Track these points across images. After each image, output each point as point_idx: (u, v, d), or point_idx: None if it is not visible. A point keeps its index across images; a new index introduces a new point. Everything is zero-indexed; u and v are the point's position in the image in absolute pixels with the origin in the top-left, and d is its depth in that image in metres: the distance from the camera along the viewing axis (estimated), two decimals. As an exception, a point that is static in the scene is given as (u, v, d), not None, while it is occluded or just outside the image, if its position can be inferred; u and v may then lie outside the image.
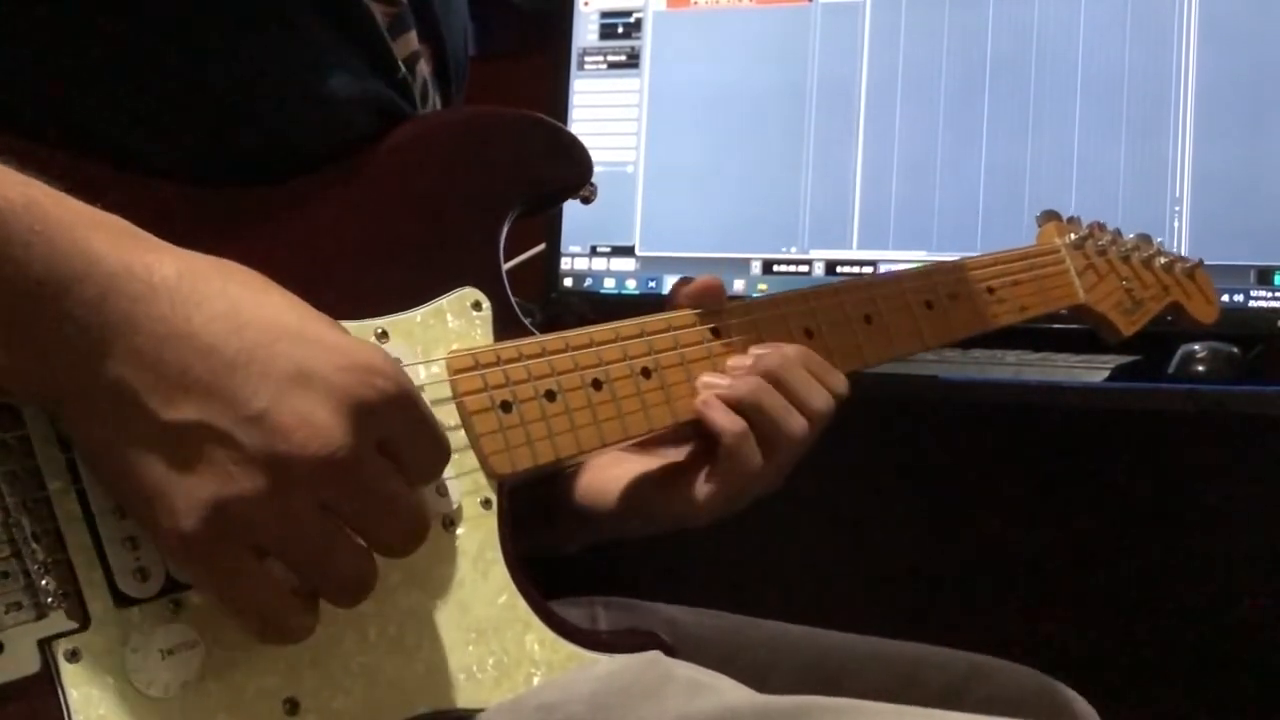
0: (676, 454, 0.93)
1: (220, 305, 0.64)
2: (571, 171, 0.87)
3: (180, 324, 0.63)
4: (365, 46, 0.81)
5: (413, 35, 0.86)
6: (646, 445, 0.94)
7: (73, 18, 0.71)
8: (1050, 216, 1.13)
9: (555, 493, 0.96)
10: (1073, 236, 1.10)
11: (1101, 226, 1.14)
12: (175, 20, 0.73)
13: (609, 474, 0.95)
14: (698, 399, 0.87)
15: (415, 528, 0.68)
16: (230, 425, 0.62)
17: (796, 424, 0.88)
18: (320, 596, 0.67)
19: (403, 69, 0.83)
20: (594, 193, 0.89)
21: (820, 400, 0.89)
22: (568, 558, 0.99)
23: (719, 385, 0.88)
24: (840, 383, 0.91)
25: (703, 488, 0.89)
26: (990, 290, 1.02)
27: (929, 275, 1.00)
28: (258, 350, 0.63)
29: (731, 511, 0.90)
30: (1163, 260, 1.16)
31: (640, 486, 0.93)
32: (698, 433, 0.89)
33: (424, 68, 0.88)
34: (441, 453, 0.70)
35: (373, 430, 0.65)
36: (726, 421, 0.87)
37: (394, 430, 0.67)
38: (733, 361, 0.89)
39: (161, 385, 0.62)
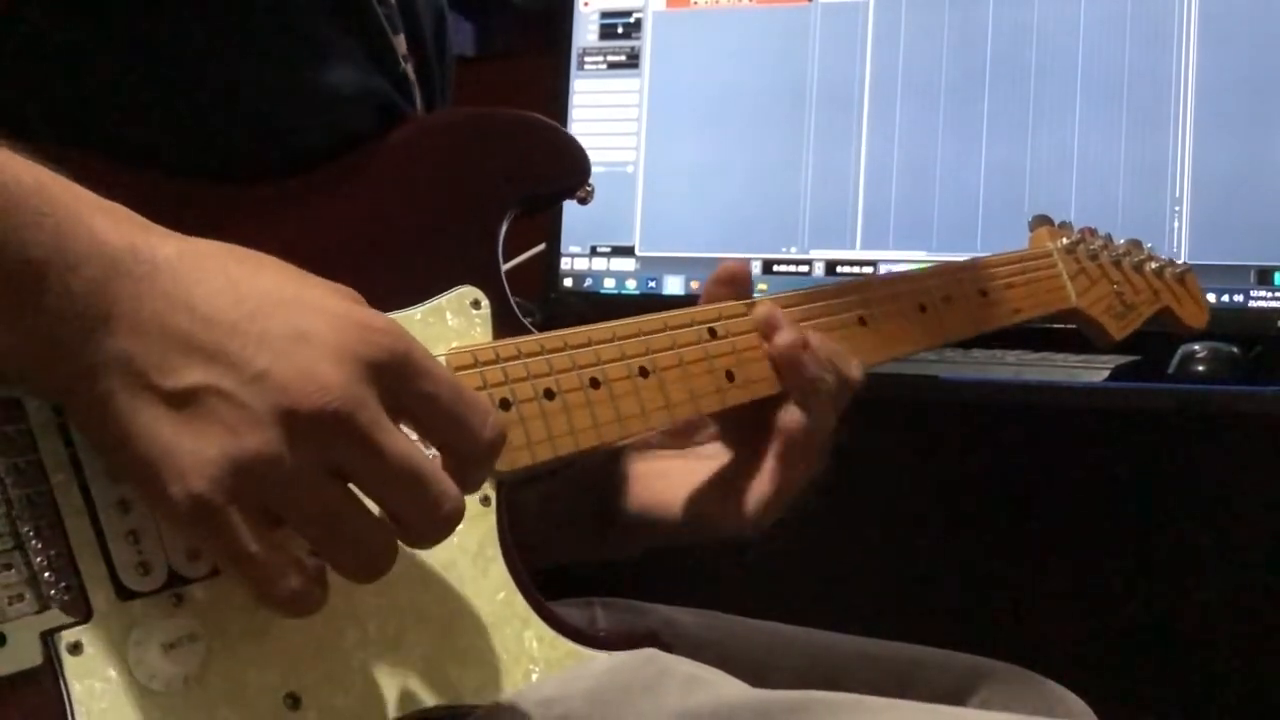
0: (718, 456, 0.93)
1: (220, 280, 0.64)
2: (569, 172, 0.88)
3: (181, 298, 0.63)
4: (367, 42, 0.81)
5: (401, 39, 0.87)
6: (687, 449, 0.95)
7: (72, 14, 0.71)
8: (1042, 221, 1.13)
9: (609, 504, 0.96)
10: (1065, 241, 1.11)
11: (1093, 231, 1.14)
12: (178, 15, 0.73)
13: (663, 486, 0.94)
14: (779, 351, 0.88)
15: (436, 508, 0.66)
16: (234, 386, 0.62)
17: (834, 380, 0.90)
18: (335, 569, 0.66)
19: (404, 64, 0.84)
20: (591, 194, 0.89)
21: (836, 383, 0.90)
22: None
23: (799, 354, 0.89)
24: (856, 369, 0.92)
25: (762, 485, 0.89)
26: (983, 294, 1.03)
27: (923, 279, 1.01)
28: (257, 316, 0.64)
29: (781, 511, 0.91)
30: (1154, 265, 1.17)
31: (700, 499, 0.92)
32: (739, 436, 0.91)
33: (410, 68, 0.88)
34: (471, 416, 0.68)
35: (379, 387, 0.64)
36: (816, 368, 0.88)
37: (407, 394, 0.66)
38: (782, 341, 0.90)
39: (164, 355, 0.62)
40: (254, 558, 0.64)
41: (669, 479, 0.94)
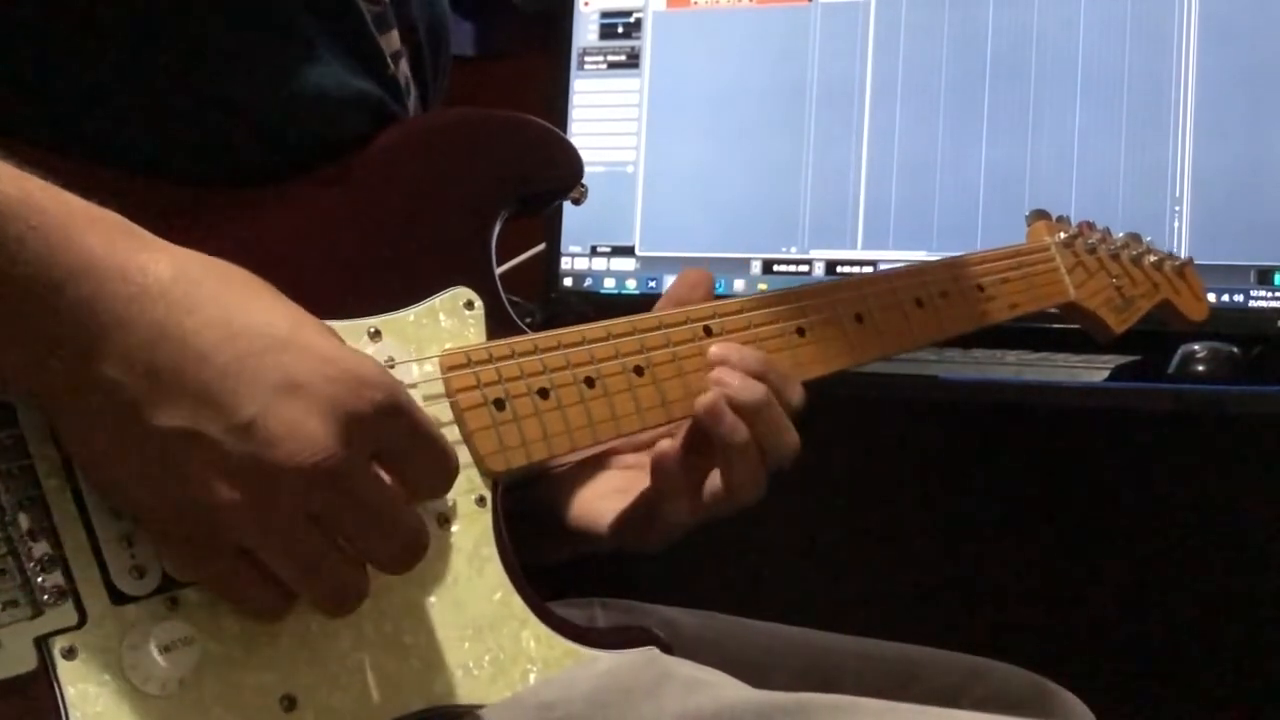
0: (640, 467, 0.92)
1: (213, 311, 0.64)
2: (562, 173, 0.88)
3: (173, 328, 0.63)
4: (355, 45, 0.81)
5: (394, 34, 0.86)
6: (628, 460, 0.95)
7: (64, 17, 0.71)
8: (1039, 215, 1.13)
9: (548, 509, 0.96)
10: (1062, 235, 1.10)
11: (1091, 225, 1.14)
12: (167, 18, 0.73)
13: (597, 502, 0.94)
14: (701, 403, 0.85)
15: (409, 543, 0.69)
16: (219, 433, 0.62)
17: (791, 440, 0.87)
18: (309, 603, 0.68)
19: (392, 66, 0.84)
20: (584, 194, 0.89)
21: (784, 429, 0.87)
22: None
23: (730, 385, 0.86)
24: (797, 396, 0.89)
25: (687, 502, 0.87)
26: (980, 288, 1.02)
27: (920, 273, 1.00)
28: (248, 359, 0.63)
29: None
30: (1152, 258, 1.16)
31: (628, 520, 0.91)
32: (690, 444, 0.89)
33: (404, 67, 0.88)
34: (443, 464, 0.70)
35: (364, 441, 0.65)
36: (732, 432, 0.85)
37: (389, 442, 0.67)
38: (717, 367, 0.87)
39: (153, 389, 0.62)
40: (237, 594, 0.66)
41: (600, 495, 0.93)
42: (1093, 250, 1.11)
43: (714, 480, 0.87)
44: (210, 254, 0.67)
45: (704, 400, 0.85)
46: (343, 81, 0.79)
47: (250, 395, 0.63)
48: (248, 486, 0.63)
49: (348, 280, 0.76)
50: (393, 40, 0.86)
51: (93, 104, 0.72)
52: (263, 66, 0.76)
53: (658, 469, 0.85)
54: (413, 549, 0.69)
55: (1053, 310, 1.09)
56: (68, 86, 0.72)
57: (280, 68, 0.77)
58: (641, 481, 0.91)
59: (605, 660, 0.78)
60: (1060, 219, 1.13)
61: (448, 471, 0.71)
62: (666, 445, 0.85)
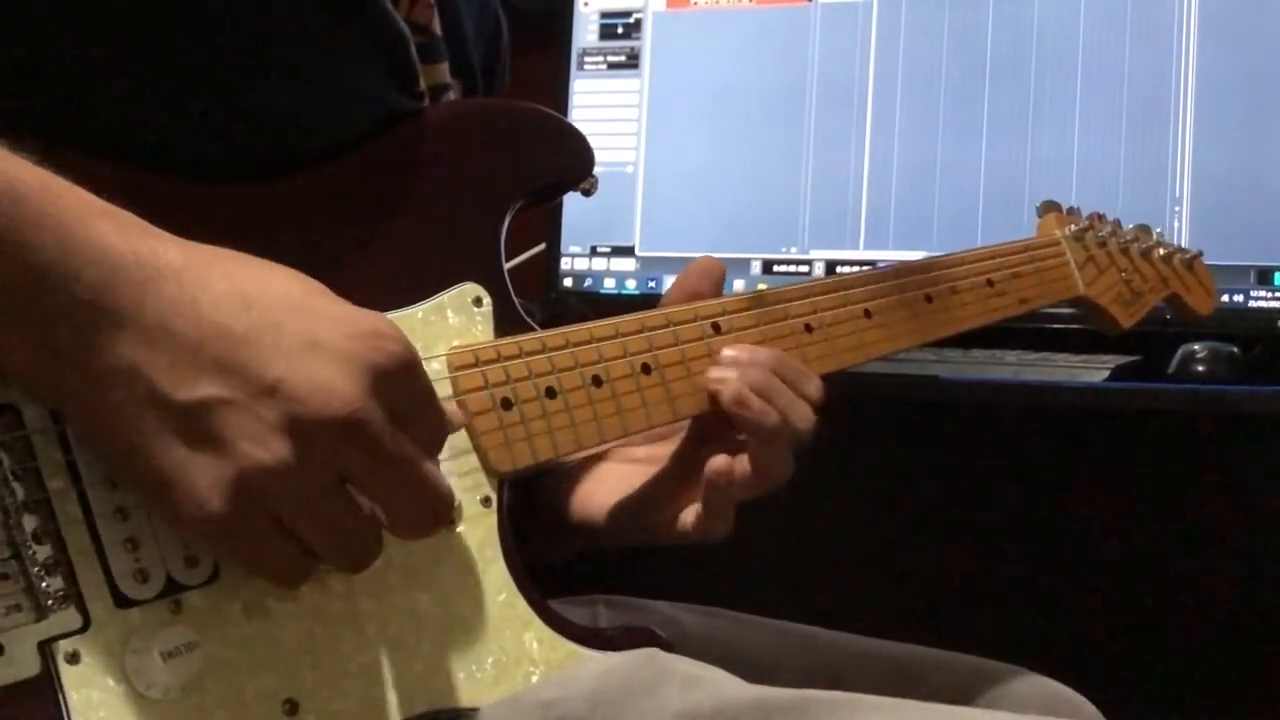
0: (651, 461, 0.92)
1: (225, 286, 0.64)
2: (572, 163, 0.87)
3: (188, 306, 0.63)
4: (392, 65, 0.81)
5: (444, 67, 0.86)
6: (635, 454, 0.95)
7: (87, 19, 0.71)
8: (1050, 207, 1.12)
9: (549, 505, 0.96)
10: (1073, 228, 1.10)
11: (1101, 218, 1.14)
12: (202, 26, 0.73)
13: (598, 496, 0.94)
14: (728, 394, 0.85)
15: (437, 504, 0.69)
16: (247, 398, 0.63)
17: (803, 414, 0.87)
18: (327, 563, 0.68)
19: (423, 88, 0.83)
20: (595, 185, 0.88)
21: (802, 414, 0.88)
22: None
23: (730, 378, 0.86)
24: (816, 389, 0.89)
25: (694, 510, 0.88)
26: (990, 283, 1.02)
27: (929, 269, 1.00)
28: (267, 325, 0.64)
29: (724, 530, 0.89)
30: (1162, 252, 1.16)
31: (636, 504, 0.92)
32: (696, 440, 0.89)
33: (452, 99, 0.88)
34: (442, 424, 0.70)
35: (386, 395, 0.65)
36: (762, 413, 0.85)
37: (403, 400, 0.67)
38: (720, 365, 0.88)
39: (175, 365, 0.63)
40: (270, 564, 0.66)
41: (604, 486, 0.94)
42: (1103, 244, 1.11)
43: (741, 467, 0.87)
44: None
45: (729, 391, 0.85)
46: (374, 98, 0.80)
47: (274, 357, 0.63)
48: (282, 445, 0.63)
49: (356, 277, 0.76)
50: (440, 72, 0.86)
51: (113, 104, 0.72)
52: (298, 78, 0.77)
53: (714, 486, 0.85)
54: (438, 514, 0.69)
55: (1060, 307, 1.09)
56: (89, 88, 0.71)
57: (315, 80, 0.77)
58: (643, 474, 0.91)
59: (605, 659, 0.78)
60: (1071, 210, 1.12)
61: (444, 432, 0.71)
62: (722, 463, 0.85)
